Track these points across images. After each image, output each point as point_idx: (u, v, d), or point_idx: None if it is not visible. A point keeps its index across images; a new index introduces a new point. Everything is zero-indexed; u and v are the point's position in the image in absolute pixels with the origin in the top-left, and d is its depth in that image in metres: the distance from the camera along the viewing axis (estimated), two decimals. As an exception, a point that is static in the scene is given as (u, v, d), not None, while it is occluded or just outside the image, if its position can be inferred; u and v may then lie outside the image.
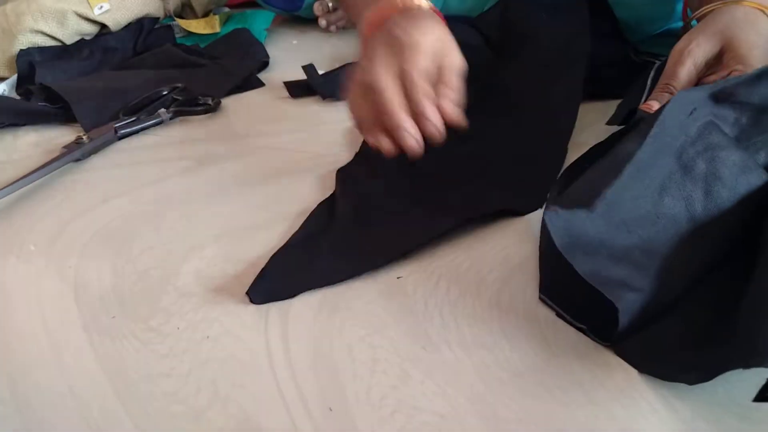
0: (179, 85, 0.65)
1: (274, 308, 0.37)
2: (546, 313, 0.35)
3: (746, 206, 0.36)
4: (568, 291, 0.34)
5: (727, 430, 0.28)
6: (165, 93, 0.64)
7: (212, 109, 0.63)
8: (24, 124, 0.63)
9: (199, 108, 0.63)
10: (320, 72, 0.66)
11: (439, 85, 0.44)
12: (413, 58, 0.43)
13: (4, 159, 0.58)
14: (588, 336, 0.34)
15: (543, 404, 0.30)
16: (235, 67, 0.70)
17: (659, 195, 0.35)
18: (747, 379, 0.30)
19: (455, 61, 0.45)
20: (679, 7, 0.55)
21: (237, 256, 0.42)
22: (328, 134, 0.57)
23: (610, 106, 0.53)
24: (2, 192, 0.49)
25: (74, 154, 0.55)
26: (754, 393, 0.26)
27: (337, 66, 0.68)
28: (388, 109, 0.42)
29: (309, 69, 0.66)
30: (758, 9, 0.46)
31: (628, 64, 0.60)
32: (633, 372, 0.31)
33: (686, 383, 0.30)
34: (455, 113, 0.43)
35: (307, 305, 0.37)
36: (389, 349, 0.34)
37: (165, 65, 0.73)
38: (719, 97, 0.38)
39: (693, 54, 0.46)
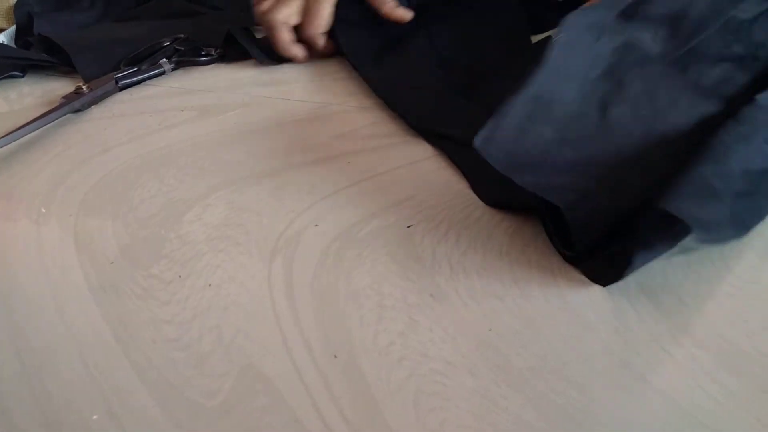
0: (181, 35, 0.63)
1: (279, 256, 0.36)
2: (559, 261, 0.34)
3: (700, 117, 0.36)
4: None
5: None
6: (167, 43, 0.62)
7: (215, 59, 0.61)
8: (23, 76, 0.62)
9: (202, 58, 0.61)
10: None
11: None
12: None
13: (6, 110, 0.57)
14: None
15: (558, 353, 0.29)
16: (239, 18, 0.68)
17: (602, 111, 0.36)
18: None
19: None
20: None
21: (241, 204, 0.40)
22: (337, 84, 0.55)
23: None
24: (0, 141, 0.48)
25: (74, 104, 0.53)
26: None
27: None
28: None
29: (241, 32, 0.62)
30: None
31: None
32: (654, 321, 0.30)
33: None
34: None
35: (311, 253, 0.36)
36: (397, 297, 0.33)
37: (167, 15, 0.70)
38: (628, 15, 0.37)
39: None
